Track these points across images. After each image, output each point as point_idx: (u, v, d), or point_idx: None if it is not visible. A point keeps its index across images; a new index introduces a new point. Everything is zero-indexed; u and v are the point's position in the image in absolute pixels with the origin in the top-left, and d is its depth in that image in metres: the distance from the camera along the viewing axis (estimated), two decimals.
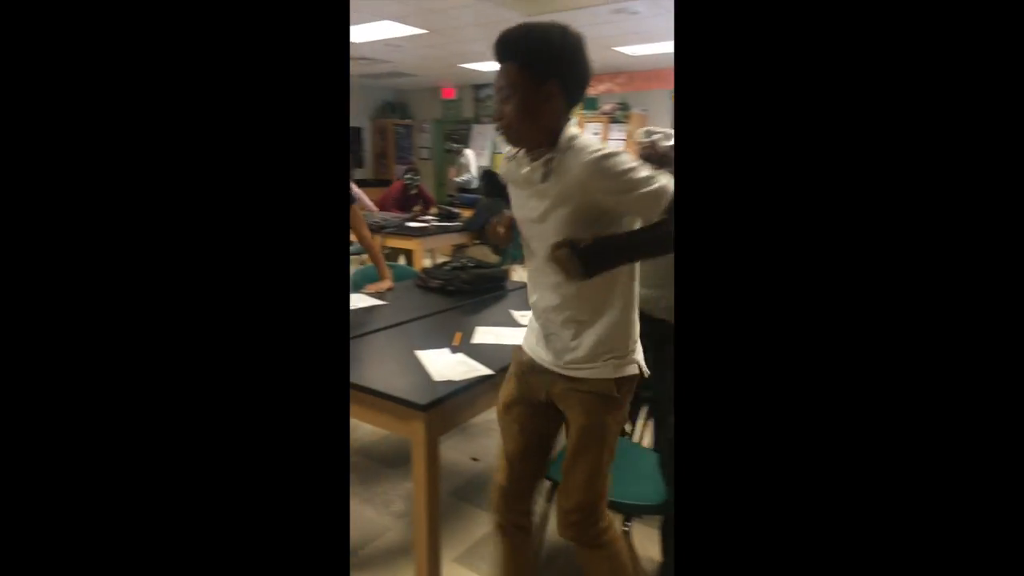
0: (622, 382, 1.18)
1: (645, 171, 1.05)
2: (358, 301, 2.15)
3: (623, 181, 1.05)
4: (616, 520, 1.29)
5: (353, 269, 2.56)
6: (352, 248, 4.25)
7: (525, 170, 1.17)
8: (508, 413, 1.29)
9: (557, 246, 1.09)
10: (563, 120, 1.14)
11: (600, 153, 1.07)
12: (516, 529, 1.33)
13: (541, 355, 1.23)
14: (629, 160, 1.06)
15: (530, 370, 1.25)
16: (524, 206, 1.21)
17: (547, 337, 1.21)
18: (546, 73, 1.08)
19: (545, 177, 1.13)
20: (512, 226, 1.28)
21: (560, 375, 1.20)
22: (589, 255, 1.07)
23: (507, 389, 1.31)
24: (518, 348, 1.32)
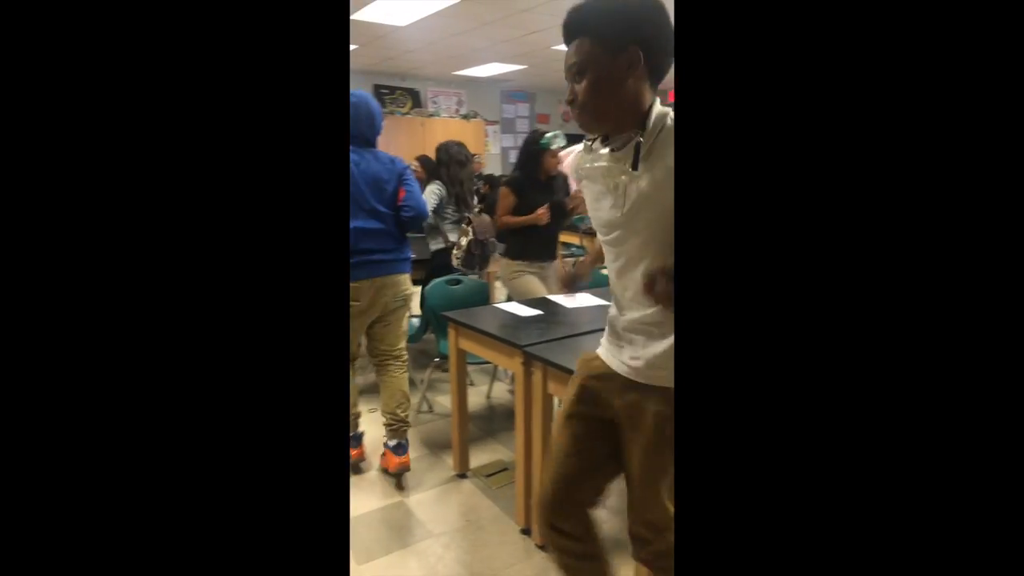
0: None
1: None
2: (583, 301, 2.26)
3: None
4: None
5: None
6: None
7: (602, 161, 1.00)
8: (567, 426, 1.17)
9: (651, 281, 0.93)
10: (649, 97, 0.96)
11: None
12: (563, 551, 1.19)
13: (615, 361, 1.09)
14: None
15: (599, 379, 1.12)
16: (600, 206, 1.03)
17: (624, 343, 1.07)
18: (623, 40, 0.92)
19: (634, 165, 0.95)
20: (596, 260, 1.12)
21: (633, 383, 1.05)
22: None
23: (569, 399, 1.18)
24: (589, 357, 1.17)
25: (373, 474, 2.22)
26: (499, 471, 2.22)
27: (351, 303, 2.07)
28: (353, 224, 1.98)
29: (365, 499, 2.07)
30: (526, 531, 1.85)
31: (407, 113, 7.54)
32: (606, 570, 1.22)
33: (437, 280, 2.70)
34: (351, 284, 2.04)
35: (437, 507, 2.03)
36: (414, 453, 2.39)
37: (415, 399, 2.78)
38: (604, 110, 0.98)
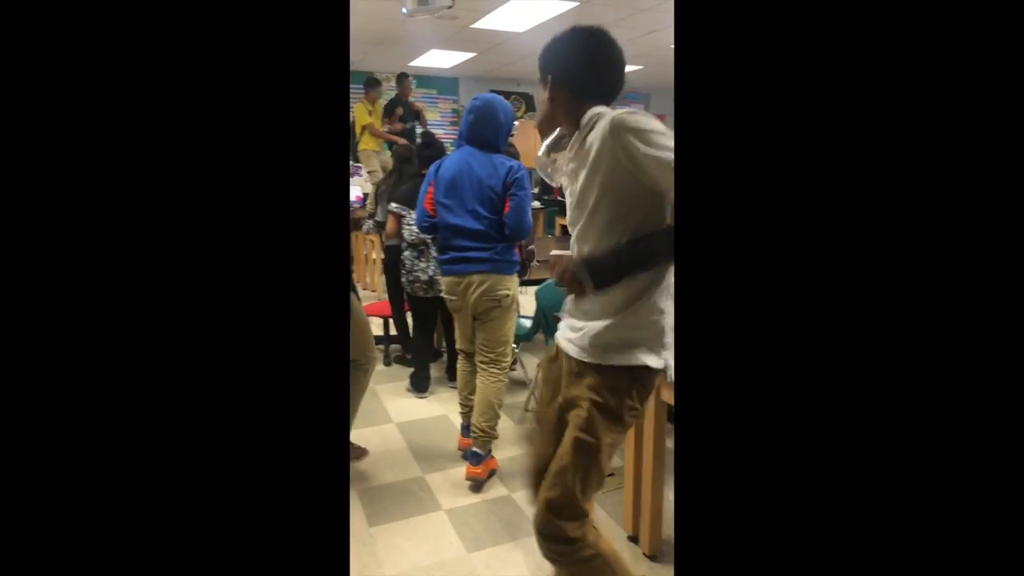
0: (633, 377, 1.13)
1: (670, 139, 1.01)
2: None
3: (643, 135, 1.01)
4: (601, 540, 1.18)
5: None
6: None
7: (553, 157, 1.28)
8: (545, 416, 1.29)
9: (563, 267, 1.12)
10: (575, 107, 1.17)
11: (625, 111, 1.06)
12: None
13: (563, 341, 1.23)
14: (656, 124, 1.03)
15: (555, 360, 1.26)
16: (568, 204, 1.22)
17: (573, 321, 1.21)
18: (544, 70, 1.21)
19: (575, 156, 1.16)
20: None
21: (575, 368, 1.18)
22: (598, 268, 1.07)
23: (543, 396, 1.32)
24: (550, 354, 1.31)
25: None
26: (607, 476, 2.20)
27: (448, 297, 2.14)
28: (454, 221, 2.05)
29: (475, 490, 2.13)
30: (633, 539, 1.82)
31: (521, 117, 7.69)
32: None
33: (550, 280, 2.73)
34: (446, 278, 2.12)
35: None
36: (522, 451, 2.43)
37: (523, 397, 2.83)
38: (542, 128, 1.28)
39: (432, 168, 2.17)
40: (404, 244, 2.70)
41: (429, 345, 3.00)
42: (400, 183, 2.96)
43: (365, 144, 5.46)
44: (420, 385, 2.93)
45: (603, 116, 1.10)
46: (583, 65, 1.18)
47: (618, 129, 1.04)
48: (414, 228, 2.62)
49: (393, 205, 2.73)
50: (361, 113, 5.39)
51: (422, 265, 2.68)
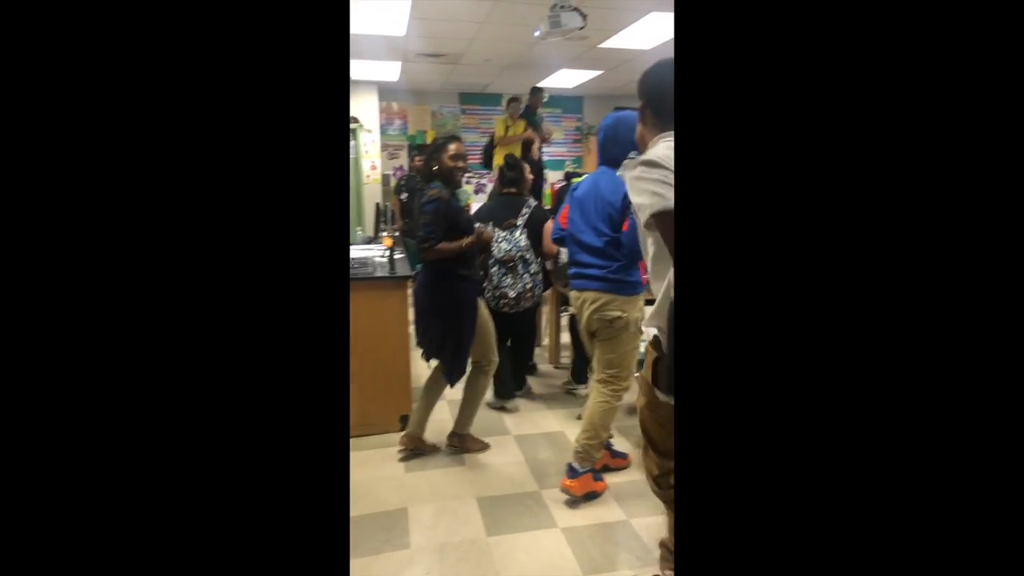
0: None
1: (657, 185, 1.12)
2: None
3: (637, 185, 1.18)
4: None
5: None
6: None
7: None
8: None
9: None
10: (654, 133, 1.32)
11: (638, 159, 1.20)
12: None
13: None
14: (656, 169, 1.14)
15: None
16: None
17: None
18: (639, 97, 1.36)
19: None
20: None
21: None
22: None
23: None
24: None
25: (608, 489, 2.25)
26: None
27: (572, 310, 2.19)
28: (579, 237, 2.14)
29: (595, 510, 2.11)
30: None
31: None
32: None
33: None
34: (571, 292, 2.19)
35: (662, 535, 1.98)
36: (640, 475, 2.36)
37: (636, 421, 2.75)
38: (641, 149, 1.39)
39: (571, 188, 2.30)
40: (492, 260, 2.78)
41: (504, 358, 3.07)
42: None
43: (498, 159, 5.69)
44: (504, 392, 3.00)
45: (653, 147, 1.27)
46: (663, 95, 1.31)
47: (630, 179, 1.23)
48: (503, 245, 2.72)
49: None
50: (498, 126, 5.68)
51: (509, 281, 2.74)
